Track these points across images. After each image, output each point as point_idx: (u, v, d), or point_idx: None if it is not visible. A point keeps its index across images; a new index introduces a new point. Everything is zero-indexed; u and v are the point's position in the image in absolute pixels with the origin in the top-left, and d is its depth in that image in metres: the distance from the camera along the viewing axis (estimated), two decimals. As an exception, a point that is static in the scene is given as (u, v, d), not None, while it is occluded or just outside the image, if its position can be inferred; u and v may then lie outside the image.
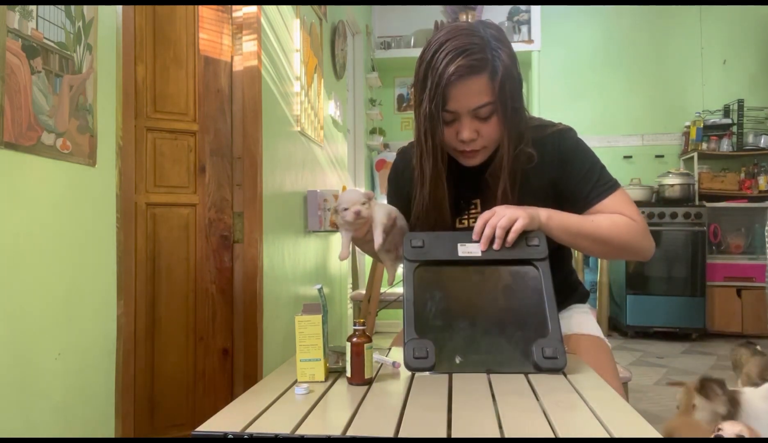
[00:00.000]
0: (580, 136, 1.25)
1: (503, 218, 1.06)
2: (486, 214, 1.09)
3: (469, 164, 1.19)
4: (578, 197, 1.19)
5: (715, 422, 1.77)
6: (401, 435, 0.72)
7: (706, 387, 1.93)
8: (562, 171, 1.20)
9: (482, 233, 1.07)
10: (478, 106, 1.10)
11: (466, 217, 1.25)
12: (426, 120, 1.13)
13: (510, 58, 1.12)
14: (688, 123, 4.90)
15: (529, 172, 1.17)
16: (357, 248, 4.26)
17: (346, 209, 1.15)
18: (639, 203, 4.57)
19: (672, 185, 4.64)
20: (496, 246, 1.06)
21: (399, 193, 1.33)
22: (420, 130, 1.16)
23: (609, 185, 1.19)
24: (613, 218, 1.16)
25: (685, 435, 1.75)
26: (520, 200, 1.15)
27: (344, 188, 3.16)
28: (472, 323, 1.02)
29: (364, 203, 1.15)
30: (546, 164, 1.19)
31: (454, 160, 1.21)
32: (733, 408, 1.91)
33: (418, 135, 1.17)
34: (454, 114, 1.12)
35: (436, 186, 1.18)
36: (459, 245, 1.09)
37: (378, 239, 1.15)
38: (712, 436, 1.60)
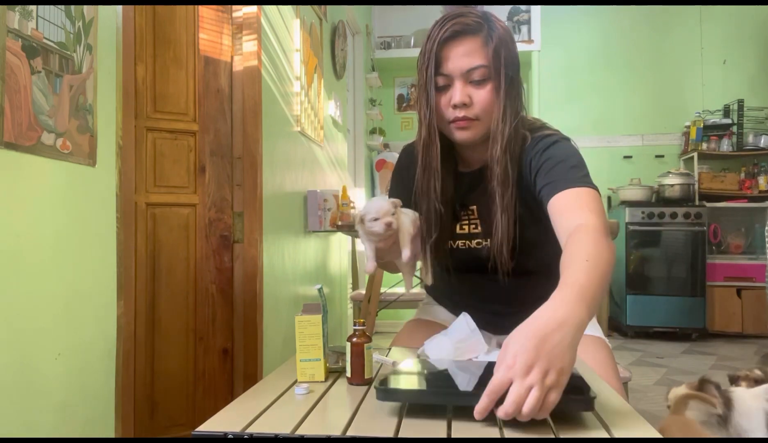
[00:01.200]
0: (581, 137, 1.24)
1: (531, 397, 0.67)
2: (503, 371, 0.70)
3: (462, 137, 1.15)
4: (546, 187, 1.07)
5: (710, 422, 1.77)
6: (401, 435, 0.72)
7: (703, 387, 1.93)
8: (539, 163, 1.11)
9: (492, 402, 0.70)
10: (471, 68, 1.10)
11: (466, 221, 1.24)
12: (423, 89, 1.12)
13: (506, 32, 1.12)
14: (688, 123, 4.90)
15: (519, 172, 1.15)
16: (357, 249, 4.25)
17: (375, 220, 1.07)
18: (639, 203, 4.60)
19: (672, 185, 4.64)
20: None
21: (402, 187, 1.30)
22: (419, 103, 1.14)
23: (580, 178, 1.05)
24: (594, 244, 0.92)
25: (677, 435, 1.73)
26: (515, 202, 1.13)
27: (344, 188, 3.16)
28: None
29: (393, 214, 1.08)
30: (529, 156, 1.14)
31: (452, 164, 1.20)
32: (728, 409, 1.90)
33: (418, 111, 1.16)
34: (448, 78, 1.11)
35: (429, 154, 1.15)
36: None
37: (407, 252, 1.10)
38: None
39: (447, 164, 1.21)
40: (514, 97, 1.13)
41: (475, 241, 1.24)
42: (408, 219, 1.12)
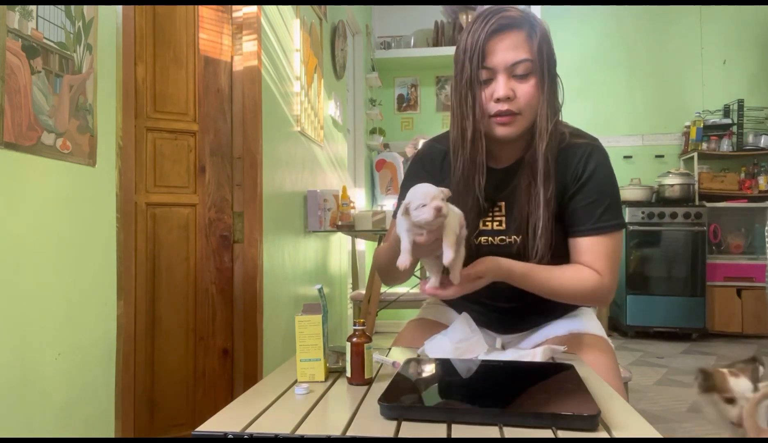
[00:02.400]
0: None
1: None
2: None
3: (503, 133, 1.14)
4: (573, 221, 1.18)
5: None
6: (401, 435, 0.72)
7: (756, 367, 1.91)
8: (574, 187, 1.18)
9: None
10: (515, 62, 1.10)
11: (489, 218, 1.24)
12: (466, 83, 1.12)
13: (546, 30, 1.14)
14: (688, 123, 4.90)
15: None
16: (357, 249, 4.24)
17: (423, 206, 0.93)
18: (639, 203, 4.60)
19: (672, 185, 4.64)
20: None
21: (422, 180, 1.26)
22: (460, 99, 1.14)
23: (608, 226, 1.16)
24: (579, 277, 1.16)
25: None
26: (537, 200, 1.14)
27: (344, 188, 3.16)
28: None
29: (443, 199, 0.95)
30: (567, 171, 1.17)
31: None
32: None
33: (458, 106, 1.15)
34: (491, 72, 1.11)
35: (474, 148, 1.14)
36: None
37: (449, 254, 0.98)
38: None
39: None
40: (554, 94, 1.14)
41: (499, 238, 1.23)
42: (455, 217, 1.01)
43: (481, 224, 1.24)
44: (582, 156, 1.18)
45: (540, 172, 1.14)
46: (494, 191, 1.22)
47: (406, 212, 0.95)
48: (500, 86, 1.10)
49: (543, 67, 1.11)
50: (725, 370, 1.83)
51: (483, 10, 1.13)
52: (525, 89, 1.11)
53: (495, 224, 1.23)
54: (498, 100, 1.11)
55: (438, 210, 0.92)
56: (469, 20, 1.17)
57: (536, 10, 5.14)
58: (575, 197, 1.18)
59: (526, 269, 1.13)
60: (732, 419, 1.74)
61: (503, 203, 1.22)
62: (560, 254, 1.20)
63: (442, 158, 1.26)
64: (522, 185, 1.17)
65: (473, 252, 1.23)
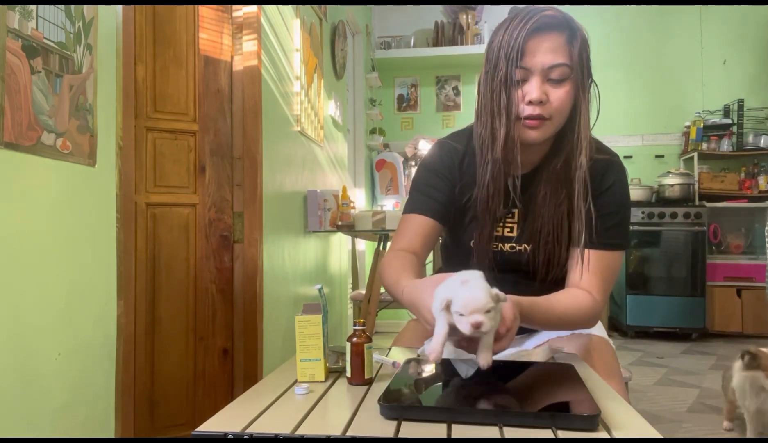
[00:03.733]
0: None
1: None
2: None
3: (530, 137, 1.09)
4: (581, 232, 1.15)
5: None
6: (401, 435, 0.72)
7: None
8: (590, 199, 1.15)
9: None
10: (552, 65, 1.06)
11: (501, 224, 1.21)
12: (500, 82, 1.07)
13: (586, 36, 1.10)
14: (688, 123, 4.90)
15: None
16: (357, 249, 4.24)
17: (461, 315, 0.82)
18: (639, 203, 4.60)
19: (672, 185, 4.64)
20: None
21: (443, 184, 1.22)
22: (493, 97, 1.09)
23: (610, 243, 1.15)
24: (577, 305, 1.12)
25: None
26: (556, 209, 1.13)
27: (344, 188, 3.16)
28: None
29: (488, 311, 0.81)
30: (591, 186, 1.15)
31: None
32: None
33: (490, 105, 1.11)
34: (526, 72, 1.07)
35: (506, 149, 1.09)
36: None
37: (485, 360, 0.85)
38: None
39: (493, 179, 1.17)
40: (589, 103, 1.11)
41: (509, 245, 1.21)
42: (498, 323, 0.86)
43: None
44: (601, 170, 1.16)
45: (580, 182, 1.11)
46: (511, 197, 1.19)
47: (447, 308, 0.83)
48: (534, 88, 1.06)
49: (582, 73, 1.08)
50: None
51: (523, 8, 1.08)
52: (558, 94, 1.07)
53: (506, 230, 1.21)
54: (530, 103, 1.07)
55: (476, 327, 0.81)
56: (507, 16, 1.13)
57: (536, 10, 5.15)
58: (586, 210, 1.14)
59: (530, 303, 1.04)
60: None
61: (516, 211, 1.20)
62: (562, 265, 1.19)
63: (461, 159, 1.22)
64: (539, 193, 1.15)
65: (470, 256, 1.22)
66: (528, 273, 1.20)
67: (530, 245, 1.19)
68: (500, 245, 1.21)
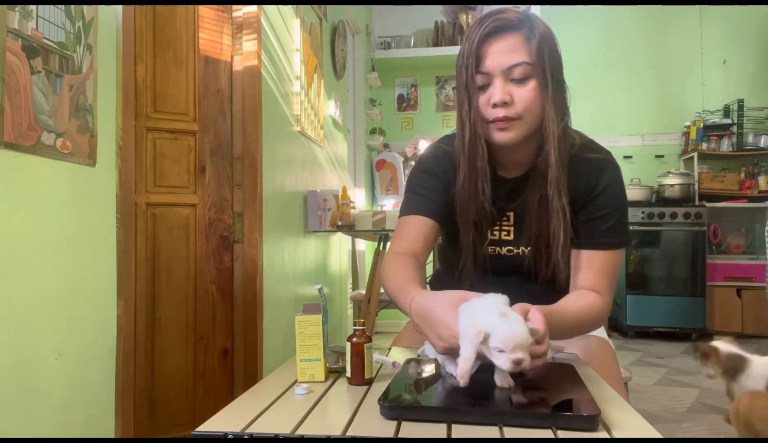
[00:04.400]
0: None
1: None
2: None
3: (502, 138, 1.09)
4: (579, 234, 1.16)
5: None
6: (401, 435, 0.72)
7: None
8: (584, 200, 1.15)
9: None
10: (512, 65, 1.05)
11: (497, 228, 1.21)
12: (463, 89, 1.08)
13: (548, 31, 1.09)
14: (688, 123, 4.90)
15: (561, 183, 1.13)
16: (357, 249, 4.23)
17: (500, 351, 0.79)
18: (639, 203, 4.60)
19: (672, 185, 4.64)
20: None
21: (433, 191, 1.21)
22: (460, 104, 1.11)
23: (612, 242, 1.15)
24: (588, 305, 1.12)
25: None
26: (549, 213, 1.12)
27: (344, 188, 3.16)
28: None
29: (528, 346, 0.80)
30: (579, 184, 1.15)
31: (491, 168, 1.17)
32: (743, 369, 2.22)
33: (458, 113, 1.12)
34: (488, 77, 1.07)
35: (473, 153, 1.11)
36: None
37: (507, 381, 0.85)
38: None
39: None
40: (560, 98, 1.10)
41: (506, 248, 1.21)
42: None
43: (489, 233, 1.21)
44: (595, 170, 1.15)
45: (552, 180, 1.10)
46: (504, 200, 1.19)
47: (485, 340, 0.79)
48: (496, 91, 1.06)
49: (545, 69, 1.06)
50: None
51: (483, 14, 1.10)
52: (523, 94, 1.06)
53: (503, 233, 1.21)
54: (495, 106, 1.07)
55: (518, 363, 0.78)
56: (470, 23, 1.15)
57: (536, 10, 5.15)
58: (584, 210, 1.16)
59: (548, 312, 0.96)
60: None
61: (512, 214, 1.20)
62: (562, 266, 1.18)
63: (453, 161, 1.22)
64: (533, 195, 1.15)
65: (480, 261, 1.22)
66: (529, 276, 1.20)
67: (528, 248, 1.19)
68: (497, 248, 1.21)
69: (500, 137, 1.09)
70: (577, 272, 1.16)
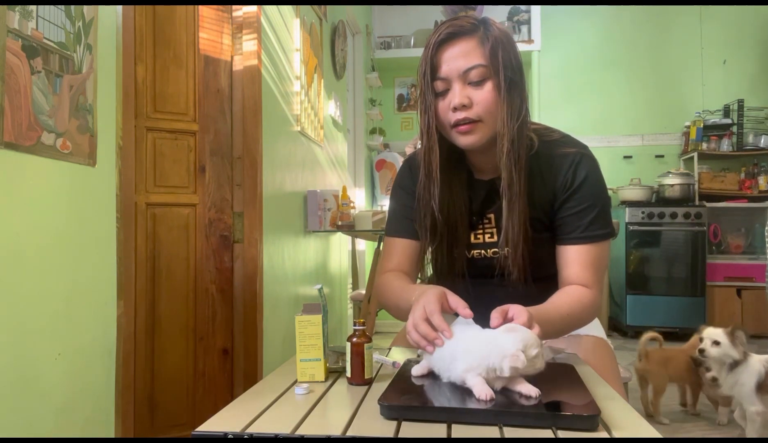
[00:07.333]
0: (581, 137, 1.23)
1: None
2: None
3: (465, 142, 1.11)
4: (562, 229, 1.16)
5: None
6: (401, 435, 0.72)
7: (734, 333, 2.27)
8: (564, 195, 1.16)
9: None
10: (467, 68, 1.08)
11: (480, 231, 1.22)
12: (422, 96, 1.11)
13: (504, 33, 1.11)
14: (688, 123, 4.90)
15: (536, 182, 1.15)
16: (357, 249, 4.23)
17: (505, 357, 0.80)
18: (639, 203, 4.60)
19: (672, 185, 4.64)
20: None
21: (412, 197, 1.24)
22: (421, 113, 1.13)
23: (596, 235, 1.15)
24: (577, 300, 1.11)
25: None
26: (524, 208, 1.12)
27: (344, 188, 3.16)
28: None
29: (535, 356, 0.82)
30: (557, 180, 1.16)
31: (467, 174, 1.19)
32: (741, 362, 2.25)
33: (420, 120, 1.15)
34: (446, 82, 1.10)
35: (427, 162, 1.14)
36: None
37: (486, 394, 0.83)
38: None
39: (459, 172, 1.19)
40: (515, 98, 1.10)
41: (492, 250, 1.22)
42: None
43: (473, 237, 1.23)
44: (572, 164, 1.16)
45: (503, 180, 1.11)
46: (483, 203, 1.21)
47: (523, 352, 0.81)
48: (455, 95, 1.08)
49: (499, 70, 1.08)
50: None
51: (438, 24, 1.14)
52: (481, 95, 1.08)
53: (486, 236, 1.22)
54: (455, 109, 1.09)
55: (514, 369, 0.80)
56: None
57: (536, 10, 5.16)
58: (564, 206, 1.16)
59: (536, 312, 0.99)
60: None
61: (492, 215, 1.21)
62: (546, 264, 1.19)
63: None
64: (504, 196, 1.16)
65: (464, 265, 1.23)
66: (518, 276, 1.20)
67: (511, 248, 1.19)
68: (483, 251, 1.22)
69: (464, 140, 1.12)
70: (565, 267, 1.17)
